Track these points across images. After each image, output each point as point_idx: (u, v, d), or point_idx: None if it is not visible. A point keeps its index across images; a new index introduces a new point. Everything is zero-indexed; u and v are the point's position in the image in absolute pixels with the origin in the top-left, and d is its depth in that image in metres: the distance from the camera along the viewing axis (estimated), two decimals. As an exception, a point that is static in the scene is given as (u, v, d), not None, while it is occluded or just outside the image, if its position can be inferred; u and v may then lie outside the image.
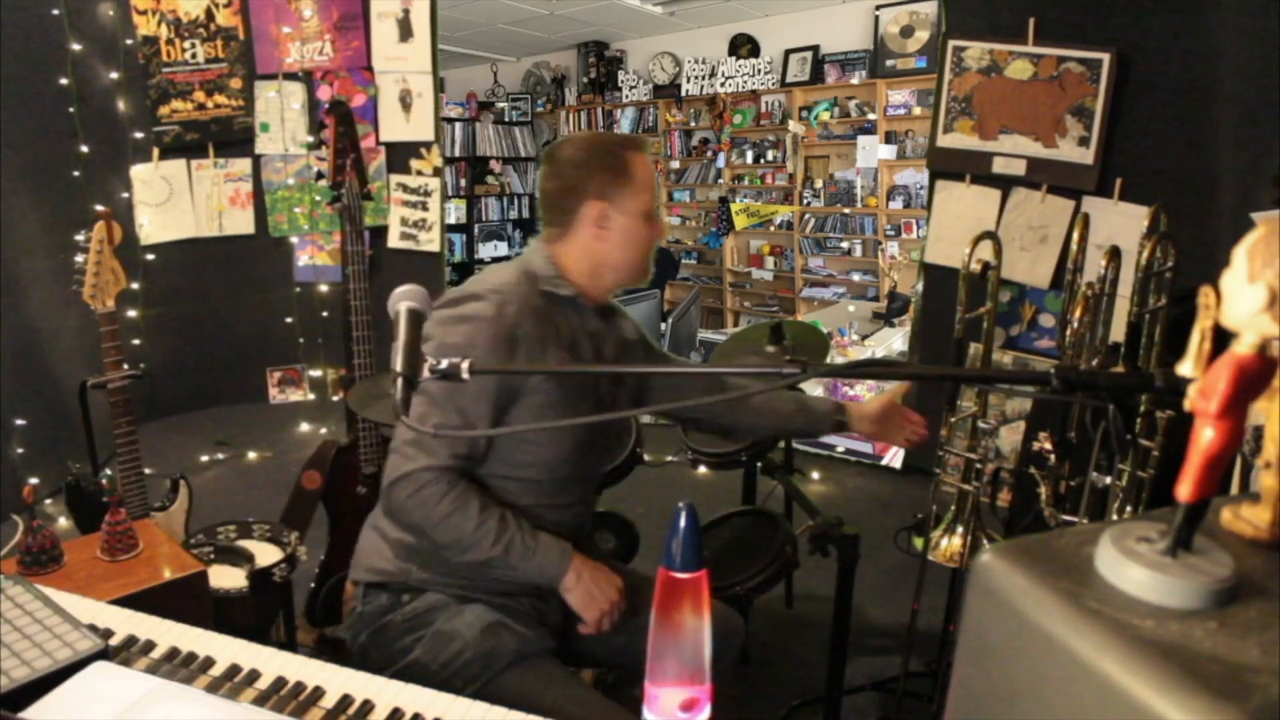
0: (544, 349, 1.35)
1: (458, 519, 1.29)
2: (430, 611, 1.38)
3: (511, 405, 1.35)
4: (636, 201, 1.40)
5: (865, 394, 4.15)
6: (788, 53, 6.66)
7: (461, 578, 1.38)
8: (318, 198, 3.98)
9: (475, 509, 1.30)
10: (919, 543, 1.92)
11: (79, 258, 1.99)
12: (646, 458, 2.20)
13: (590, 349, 1.47)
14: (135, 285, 3.47)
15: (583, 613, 1.36)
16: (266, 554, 1.95)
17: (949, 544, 1.87)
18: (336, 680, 0.99)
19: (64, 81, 3.36)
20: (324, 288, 4.07)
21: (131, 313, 3.59)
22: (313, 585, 2.31)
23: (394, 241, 4.07)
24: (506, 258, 8.54)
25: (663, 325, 5.25)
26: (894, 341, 5.12)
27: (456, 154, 7.97)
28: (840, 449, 4.00)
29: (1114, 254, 1.79)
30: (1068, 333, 1.77)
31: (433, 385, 1.27)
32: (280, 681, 0.98)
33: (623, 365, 1.55)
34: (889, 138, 6.24)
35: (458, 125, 7.94)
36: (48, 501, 3.15)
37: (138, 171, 3.67)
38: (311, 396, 4.17)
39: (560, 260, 1.44)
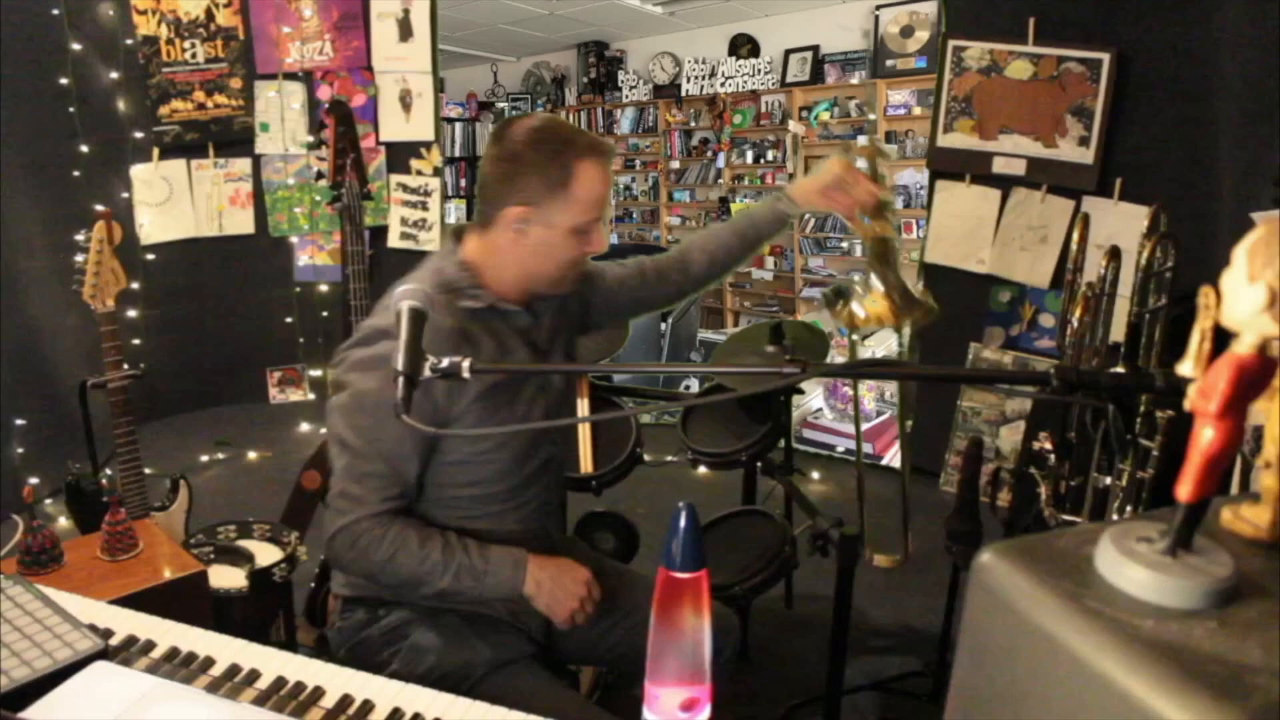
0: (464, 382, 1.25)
1: (401, 559, 1.24)
2: (404, 625, 1.36)
3: (440, 438, 1.27)
4: (566, 215, 1.26)
5: (865, 394, 4.14)
6: (788, 53, 6.66)
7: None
8: (318, 198, 3.98)
9: (415, 544, 1.25)
10: (844, 313, 1.50)
11: (79, 258, 2.00)
12: (646, 458, 2.19)
13: (522, 347, 1.37)
14: (135, 285, 3.46)
15: (551, 615, 1.30)
16: (266, 554, 1.95)
17: (869, 308, 1.52)
18: (336, 680, 0.99)
19: (64, 81, 3.36)
20: (324, 288, 4.07)
21: (131, 313, 3.58)
22: (313, 585, 2.31)
23: (394, 241, 4.07)
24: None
25: (663, 326, 5.25)
26: (894, 341, 5.12)
27: (456, 154, 7.98)
28: (840, 449, 4.00)
29: (1114, 254, 1.79)
30: (1068, 333, 1.77)
31: (352, 439, 1.24)
32: (280, 681, 0.98)
33: (553, 364, 1.43)
34: (889, 138, 6.24)
35: (458, 125, 7.96)
36: (48, 501, 3.14)
37: (138, 171, 3.67)
38: (311, 396, 4.17)
39: (475, 261, 1.32)
